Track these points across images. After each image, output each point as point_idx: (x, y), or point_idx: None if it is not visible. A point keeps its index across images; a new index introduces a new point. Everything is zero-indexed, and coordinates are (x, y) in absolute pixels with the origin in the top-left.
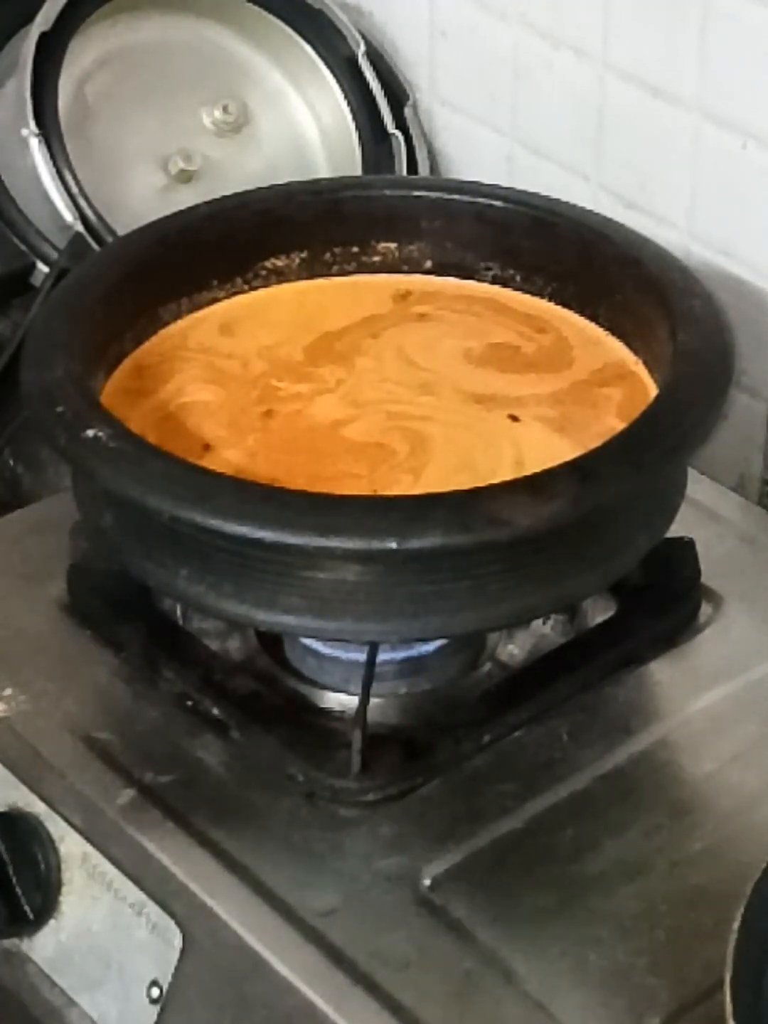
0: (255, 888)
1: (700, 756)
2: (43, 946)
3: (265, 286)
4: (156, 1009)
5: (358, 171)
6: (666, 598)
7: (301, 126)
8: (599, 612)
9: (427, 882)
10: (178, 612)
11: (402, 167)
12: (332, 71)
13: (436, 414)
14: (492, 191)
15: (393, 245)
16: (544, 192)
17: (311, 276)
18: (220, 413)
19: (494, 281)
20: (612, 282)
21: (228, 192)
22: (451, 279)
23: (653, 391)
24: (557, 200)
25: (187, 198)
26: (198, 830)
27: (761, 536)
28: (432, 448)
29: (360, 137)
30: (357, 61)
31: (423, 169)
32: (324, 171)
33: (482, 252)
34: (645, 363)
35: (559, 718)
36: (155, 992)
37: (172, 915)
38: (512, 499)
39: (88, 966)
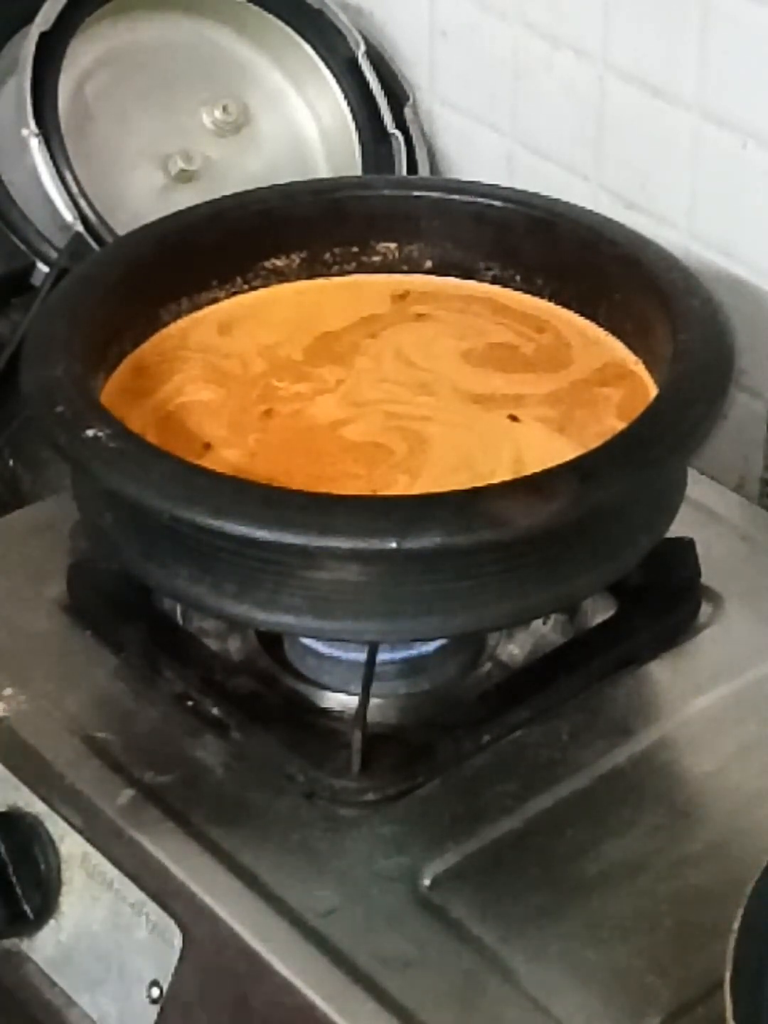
0: (255, 888)
1: (700, 756)
2: (43, 946)
3: (265, 286)
4: (156, 1009)
5: (358, 171)
6: (666, 598)
7: (301, 126)
8: (599, 612)
9: (427, 882)
10: (178, 612)
11: (402, 167)
12: (332, 71)
13: (435, 414)
14: (492, 191)
15: (393, 245)
16: (544, 192)
17: (311, 276)
18: (220, 413)
19: (494, 281)
20: (612, 282)
21: (228, 192)
22: (451, 279)
23: (653, 391)
24: (557, 200)
25: (187, 198)
26: (198, 830)
27: (761, 536)
28: (431, 448)
29: (360, 137)
30: (357, 61)
31: (423, 169)
32: (324, 171)
33: (482, 252)
34: (645, 363)
35: (559, 718)
36: (155, 992)
37: (172, 915)
38: (512, 499)
39: (88, 966)
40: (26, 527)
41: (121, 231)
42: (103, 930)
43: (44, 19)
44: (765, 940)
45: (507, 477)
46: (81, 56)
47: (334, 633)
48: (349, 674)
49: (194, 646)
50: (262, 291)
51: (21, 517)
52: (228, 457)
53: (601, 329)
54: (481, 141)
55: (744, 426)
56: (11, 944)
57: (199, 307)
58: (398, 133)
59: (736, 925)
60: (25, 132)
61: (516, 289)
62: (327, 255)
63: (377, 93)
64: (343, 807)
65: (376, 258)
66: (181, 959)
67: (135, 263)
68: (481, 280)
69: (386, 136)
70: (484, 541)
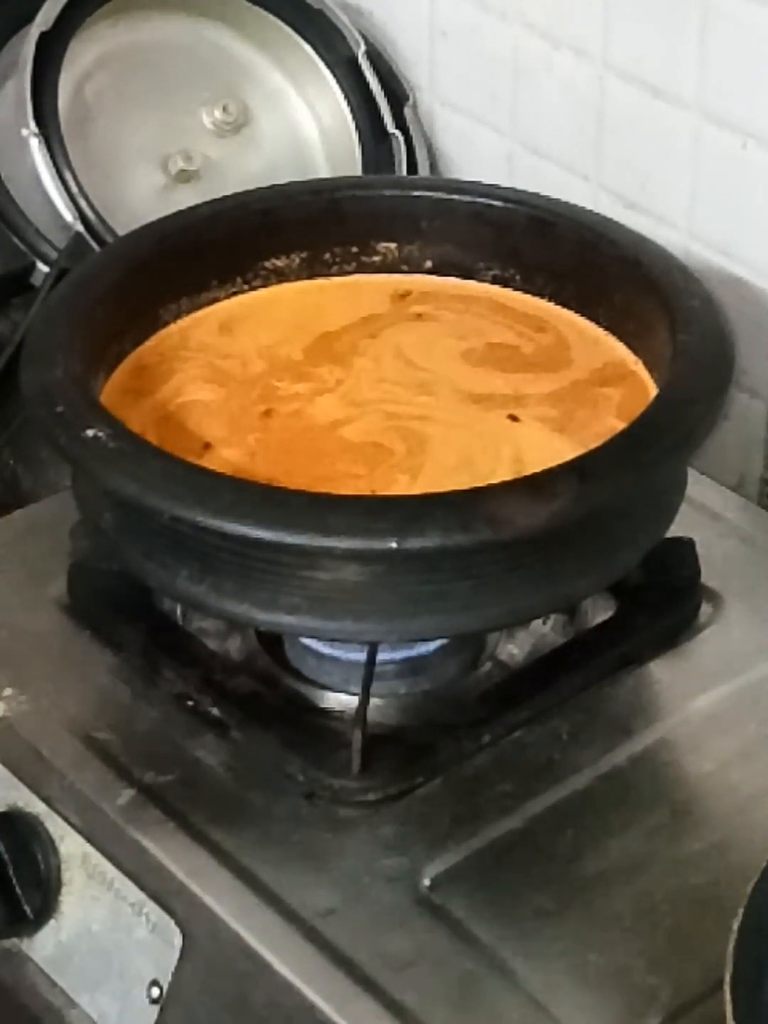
0: (255, 888)
1: (700, 756)
2: (43, 946)
3: (265, 286)
4: (156, 1009)
5: (358, 171)
6: (666, 598)
7: (301, 126)
8: (599, 612)
9: (427, 882)
10: (178, 612)
11: (402, 167)
12: (332, 71)
13: (434, 414)
14: (492, 191)
15: (393, 245)
16: (544, 192)
17: (311, 276)
18: (220, 413)
19: (494, 281)
20: (612, 282)
21: (228, 192)
22: (451, 279)
23: (653, 391)
24: (557, 200)
25: (187, 198)
26: (198, 830)
27: (761, 536)
28: (430, 448)
29: (360, 137)
30: (357, 61)
31: (423, 169)
32: (324, 171)
33: (482, 252)
34: (645, 363)
35: (559, 718)
36: (155, 992)
37: (172, 915)
38: (512, 499)
39: (88, 966)
40: (26, 527)
41: (121, 231)
42: (103, 930)
43: (44, 19)
44: (765, 940)
45: (507, 477)
46: (81, 56)
47: (334, 633)
48: (349, 674)
49: (194, 646)
50: (262, 291)
51: (21, 517)
52: (228, 457)
53: (601, 329)
54: (481, 141)
55: (744, 426)
56: (11, 944)
57: (199, 307)
58: (398, 133)
59: (736, 925)
60: (25, 132)
61: (516, 289)
62: (327, 255)
63: (377, 93)
64: (343, 807)
65: (376, 258)
66: (181, 959)
67: (135, 263)
68: (481, 280)
69: (386, 136)
70: (483, 541)
